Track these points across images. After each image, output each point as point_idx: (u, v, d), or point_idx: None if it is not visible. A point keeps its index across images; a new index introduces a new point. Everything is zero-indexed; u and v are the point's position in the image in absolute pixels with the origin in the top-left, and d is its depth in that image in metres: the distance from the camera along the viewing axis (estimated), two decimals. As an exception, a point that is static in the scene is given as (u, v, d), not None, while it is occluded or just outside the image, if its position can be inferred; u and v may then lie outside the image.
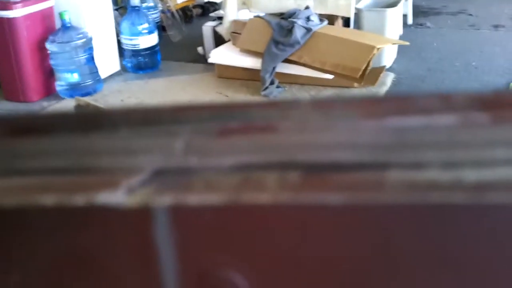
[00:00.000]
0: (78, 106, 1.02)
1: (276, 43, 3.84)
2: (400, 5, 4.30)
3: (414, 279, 0.31)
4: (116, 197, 0.30)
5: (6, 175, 0.34)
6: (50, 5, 3.89)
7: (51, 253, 0.33)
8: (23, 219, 0.33)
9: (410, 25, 5.16)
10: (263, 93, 3.78)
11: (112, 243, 0.33)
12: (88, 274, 0.35)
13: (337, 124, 0.33)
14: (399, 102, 0.34)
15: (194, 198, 0.29)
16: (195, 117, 0.35)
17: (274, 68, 3.82)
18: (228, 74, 4.08)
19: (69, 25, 3.79)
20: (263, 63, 3.83)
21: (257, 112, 0.35)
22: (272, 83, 3.82)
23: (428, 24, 5.21)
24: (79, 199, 0.30)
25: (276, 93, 3.80)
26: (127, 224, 0.32)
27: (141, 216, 0.31)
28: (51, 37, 3.79)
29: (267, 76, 3.80)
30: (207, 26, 4.53)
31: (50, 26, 3.88)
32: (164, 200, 0.30)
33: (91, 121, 0.37)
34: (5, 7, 3.67)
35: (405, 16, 4.94)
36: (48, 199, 0.30)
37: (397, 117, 0.33)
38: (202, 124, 0.35)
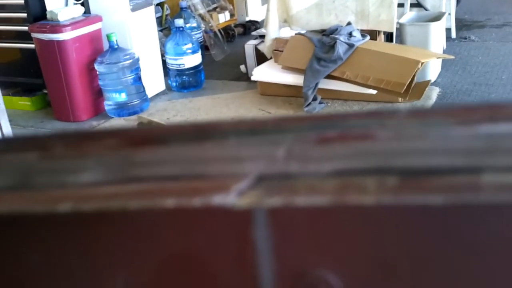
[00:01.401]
0: (140, 124, 1.06)
1: (318, 59, 3.86)
2: (444, 18, 4.27)
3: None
4: (229, 199, 0.33)
5: (126, 182, 0.37)
6: (98, 28, 4.03)
7: (157, 252, 0.37)
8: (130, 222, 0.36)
9: (454, 39, 5.12)
10: (306, 109, 3.81)
11: (214, 244, 0.35)
12: (189, 273, 0.38)
13: (431, 131, 0.35)
14: (490, 109, 0.36)
15: (300, 200, 0.32)
16: (295, 128, 0.38)
17: (316, 84, 3.85)
18: (270, 91, 4.13)
19: (116, 46, 3.91)
20: (305, 80, 3.86)
21: (355, 122, 0.38)
22: (314, 99, 3.84)
23: (472, 37, 5.15)
24: (197, 201, 0.33)
25: (319, 109, 3.82)
26: (230, 225, 0.35)
27: (242, 218, 0.34)
28: (99, 58, 3.92)
29: (309, 92, 3.83)
30: (249, 45, 4.59)
31: (98, 48, 4.01)
32: (272, 201, 0.32)
33: (202, 132, 0.40)
34: (55, 30, 3.81)
35: (448, 29, 4.90)
36: (169, 202, 0.33)
37: (489, 123, 0.35)
38: (302, 133, 0.37)
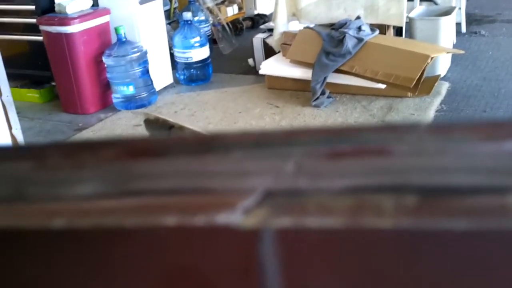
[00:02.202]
0: (147, 120, 1.04)
1: (327, 53, 3.83)
2: (453, 13, 4.22)
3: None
4: (234, 217, 0.31)
5: (124, 195, 0.35)
6: (106, 21, 4.01)
7: (160, 272, 0.35)
8: (125, 239, 0.34)
9: (464, 34, 5.06)
10: (313, 103, 3.78)
11: (219, 264, 0.33)
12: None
13: (453, 147, 0.33)
14: (518, 125, 0.34)
15: (311, 221, 0.30)
16: (306, 140, 0.36)
17: (325, 78, 3.82)
18: (278, 85, 4.10)
19: (124, 39, 3.89)
20: (313, 74, 3.83)
21: (370, 135, 0.36)
22: (323, 93, 3.81)
23: (483, 32, 5.09)
24: (199, 220, 0.31)
25: (327, 103, 3.79)
26: (235, 244, 0.32)
27: (249, 236, 0.32)
28: (107, 51, 3.90)
29: (317, 86, 3.80)
30: (257, 38, 4.56)
31: (106, 41, 4.00)
32: (281, 222, 0.30)
33: (205, 144, 0.38)
34: (63, 23, 3.80)
35: (458, 24, 4.84)
36: (169, 220, 0.31)
37: (516, 140, 0.32)
38: (313, 146, 0.35)
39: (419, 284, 0.30)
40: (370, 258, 0.30)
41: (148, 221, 0.32)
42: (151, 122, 1.07)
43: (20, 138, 3.06)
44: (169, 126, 1.04)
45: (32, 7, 4.04)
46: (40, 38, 4.00)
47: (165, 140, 0.46)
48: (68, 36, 3.83)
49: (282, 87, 4.08)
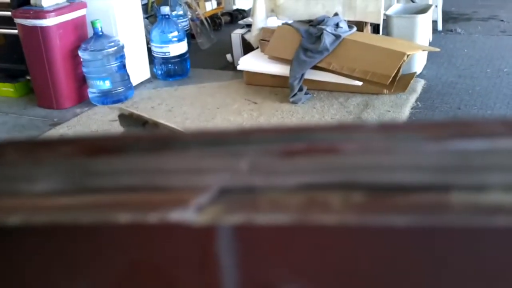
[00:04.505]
0: (121, 116, 1.04)
1: (305, 50, 3.84)
2: (430, 11, 4.26)
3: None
4: (187, 215, 0.31)
5: (80, 192, 0.35)
6: (82, 14, 3.97)
7: (116, 267, 0.35)
8: (92, 235, 0.35)
9: (440, 31, 5.12)
10: (291, 99, 3.79)
11: (175, 259, 0.34)
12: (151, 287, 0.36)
13: (400, 146, 0.34)
14: (462, 126, 0.35)
15: (262, 218, 0.30)
16: (260, 139, 0.36)
17: (302, 75, 3.83)
18: (256, 81, 4.10)
19: (101, 33, 3.86)
20: (291, 70, 3.84)
21: (321, 134, 0.36)
22: (300, 89, 3.83)
23: (459, 30, 5.16)
24: (152, 217, 0.31)
25: (305, 99, 3.81)
26: (191, 239, 0.33)
27: (205, 232, 0.33)
28: (83, 45, 3.87)
29: (295, 83, 3.81)
30: (236, 34, 4.56)
31: (82, 35, 3.96)
32: (233, 219, 0.31)
33: (161, 142, 0.38)
34: (39, 16, 3.75)
35: (434, 22, 4.90)
36: (123, 217, 0.31)
37: (460, 140, 0.33)
38: (267, 145, 0.36)
39: (366, 276, 0.31)
40: (320, 252, 0.31)
41: (103, 218, 0.32)
42: (125, 118, 1.06)
43: (-7, 132, 3.02)
44: (143, 122, 1.03)
45: (8, 0, 3.98)
46: (15, 31, 3.94)
47: (122, 137, 0.46)
48: (43, 29, 3.78)
49: (260, 83, 4.09)
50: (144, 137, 0.41)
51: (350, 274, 0.31)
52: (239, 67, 4.16)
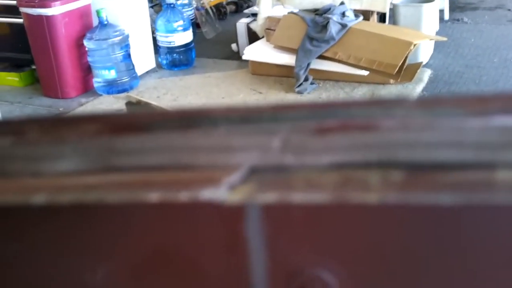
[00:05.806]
0: (129, 103, 1.03)
1: (311, 39, 3.82)
2: (437, 0, 4.23)
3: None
4: (219, 193, 0.30)
5: (106, 171, 0.34)
6: (87, 3, 3.95)
7: (142, 248, 0.34)
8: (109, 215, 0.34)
9: (447, 21, 5.08)
10: (297, 89, 3.78)
11: (203, 240, 0.33)
12: (175, 271, 0.35)
13: (441, 122, 0.33)
14: (506, 100, 0.33)
15: (297, 197, 0.29)
16: (293, 116, 0.35)
17: (308, 64, 3.81)
18: (262, 70, 4.08)
19: (106, 22, 3.84)
20: (297, 60, 3.82)
21: (357, 110, 0.35)
22: (306, 79, 3.81)
23: (465, 19, 5.12)
24: (183, 195, 0.30)
25: (310, 89, 3.79)
26: (219, 221, 0.32)
27: (234, 213, 0.32)
28: (88, 35, 3.85)
29: (301, 72, 3.79)
30: (241, 23, 4.53)
31: (87, 24, 3.94)
32: (266, 197, 0.30)
33: (190, 119, 0.37)
34: (44, 5, 3.73)
35: (441, 11, 4.86)
36: (153, 196, 0.30)
37: (504, 115, 0.32)
38: (300, 122, 0.35)
39: (406, 258, 0.30)
40: (354, 234, 0.30)
41: (130, 197, 0.31)
42: (133, 105, 1.05)
43: (-1, 121, 3.02)
44: (151, 110, 1.03)
45: (12, -11, 3.96)
46: (21, 20, 3.93)
47: (149, 114, 0.45)
48: (48, 18, 3.76)
49: (265, 73, 4.07)
50: (172, 114, 0.40)
51: (387, 257, 0.30)
52: (244, 57, 4.14)
